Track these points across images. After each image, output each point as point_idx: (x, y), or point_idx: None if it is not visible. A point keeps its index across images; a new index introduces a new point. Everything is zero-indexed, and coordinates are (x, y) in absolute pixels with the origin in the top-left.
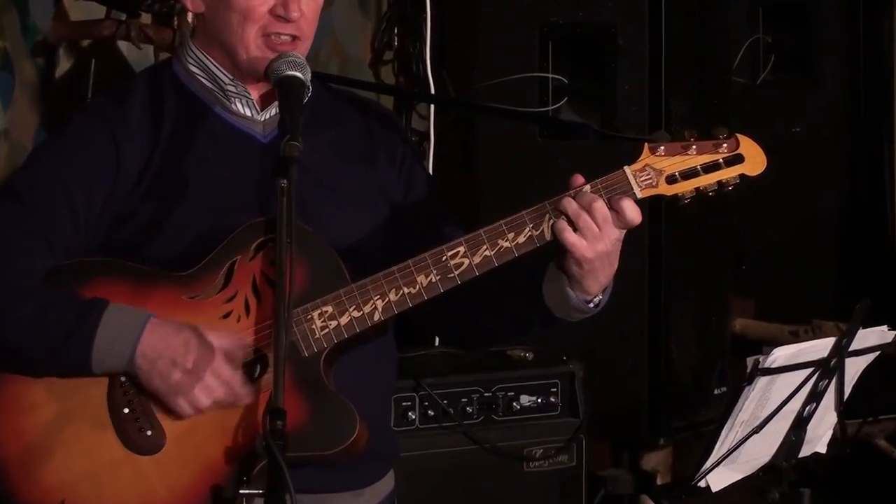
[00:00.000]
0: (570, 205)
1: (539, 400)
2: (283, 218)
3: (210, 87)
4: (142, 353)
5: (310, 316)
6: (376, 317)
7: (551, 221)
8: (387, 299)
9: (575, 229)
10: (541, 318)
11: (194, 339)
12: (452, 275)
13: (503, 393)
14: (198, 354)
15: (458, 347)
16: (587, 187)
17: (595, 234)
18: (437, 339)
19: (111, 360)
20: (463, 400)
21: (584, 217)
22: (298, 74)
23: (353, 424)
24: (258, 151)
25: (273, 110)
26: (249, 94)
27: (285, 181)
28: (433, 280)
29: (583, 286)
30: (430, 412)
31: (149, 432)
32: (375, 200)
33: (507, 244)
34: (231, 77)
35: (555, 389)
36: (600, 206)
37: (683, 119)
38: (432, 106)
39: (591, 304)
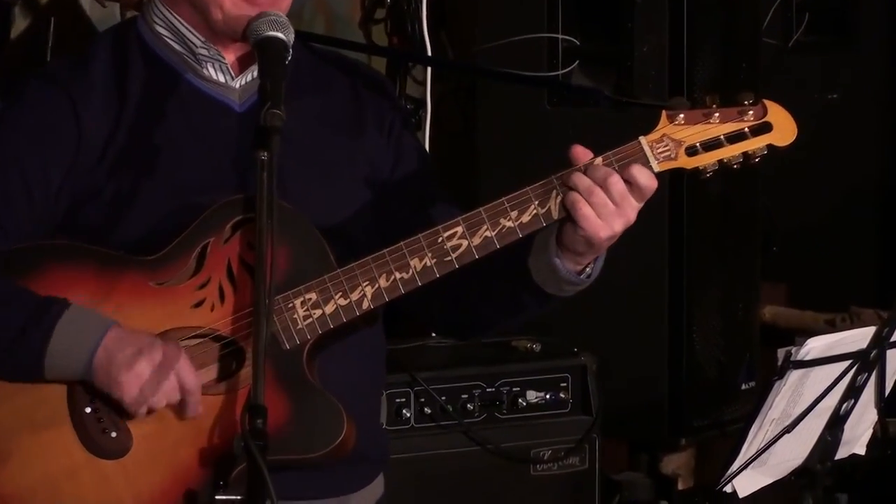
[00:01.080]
0: (581, 180)
1: (547, 396)
2: (263, 194)
3: (179, 50)
4: (98, 362)
5: (291, 304)
6: (365, 305)
7: (559, 198)
8: (377, 285)
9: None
10: (532, 296)
11: (151, 344)
12: (450, 258)
13: (508, 388)
14: (156, 359)
15: (454, 337)
16: (599, 160)
17: (611, 212)
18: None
19: (64, 369)
20: (463, 396)
21: (599, 193)
22: (280, 35)
23: (339, 424)
24: (234, 121)
25: (249, 76)
26: (223, 57)
27: (266, 154)
28: (428, 264)
29: (577, 260)
30: (426, 410)
31: (113, 434)
32: (364, 174)
33: (510, 224)
34: (202, 39)
35: (565, 384)
36: (616, 180)
37: (708, 84)
38: (429, 70)
39: (583, 276)
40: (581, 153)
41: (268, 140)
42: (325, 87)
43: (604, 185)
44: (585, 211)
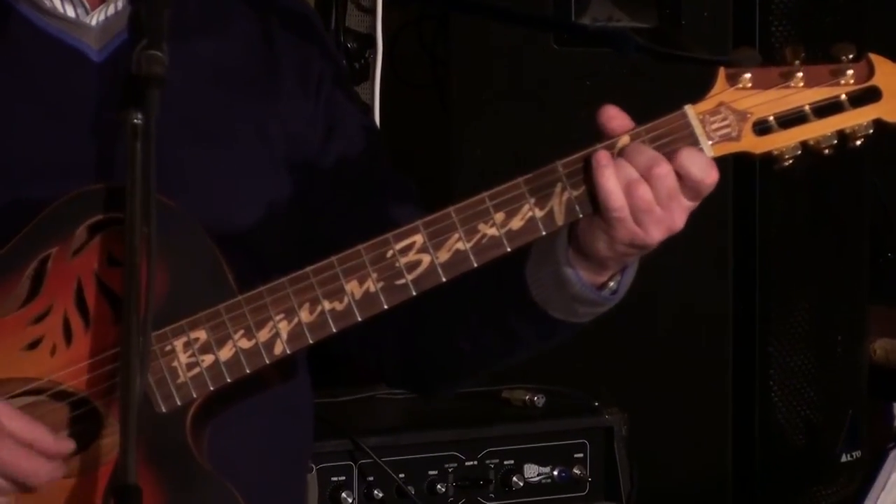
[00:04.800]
0: (625, 167)
1: (555, 472)
2: (135, 180)
3: None
4: None
5: (170, 347)
6: (278, 349)
7: (566, 194)
8: (296, 320)
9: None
10: (530, 324)
11: None
12: (403, 281)
13: (497, 461)
14: None
15: (415, 392)
16: (626, 139)
17: (658, 218)
18: None
19: None
20: (431, 473)
21: (643, 189)
22: None
23: None
24: (89, 74)
25: (111, 8)
26: None
27: (140, 117)
28: (372, 289)
29: (600, 268)
30: (375, 493)
31: None
32: (279, 152)
33: (492, 231)
34: None
35: (581, 455)
36: (666, 172)
37: (790, 30)
38: None
39: (606, 291)
40: (615, 118)
41: (142, 96)
42: (222, 24)
43: (647, 178)
44: (619, 202)
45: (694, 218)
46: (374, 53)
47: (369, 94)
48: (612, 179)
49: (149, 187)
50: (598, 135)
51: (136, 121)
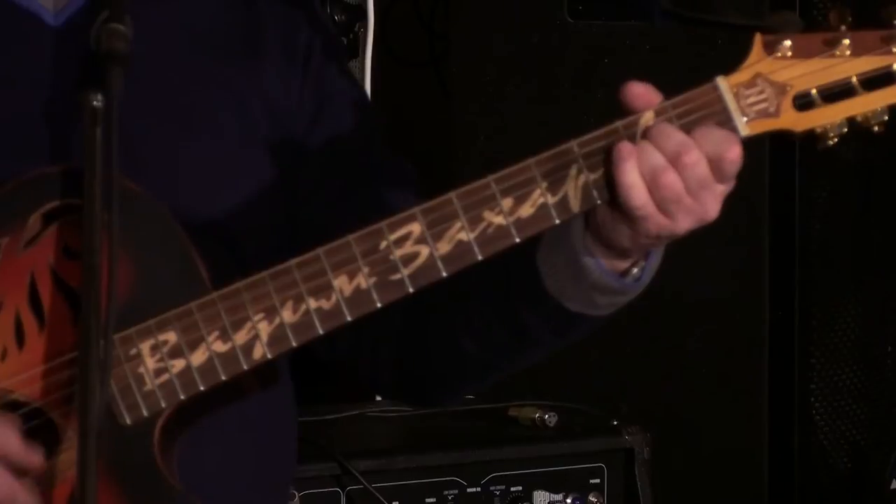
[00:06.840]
0: (649, 154)
1: (569, 500)
2: (95, 165)
3: None
4: None
5: (135, 350)
6: (258, 353)
7: (582, 178)
8: (278, 320)
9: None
10: (544, 319)
11: None
12: (399, 276)
13: (503, 487)
14: None
15: (412, 403)
16: (649, 116)
17: (688, 208)
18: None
19: None
20: (429, 501)
21: (669, 176)
22: None
23: None
24: (45, 41)
25: None
26: None
27: (100, 98)
28: (363, 285)
29: (621, 256)
30: None
31: None
32: (261, 131)
33: (499, 220)
34: None
35: (597, 480)
36: (696, 159)
37: None
38: None
39: (629, 279)
40: (640, 97)
41: (105, 74)
42: None
43: (676, 166)
44: (641, 200)
45: (725, 212)
46: (365, 27)
47: (359, 74)
48: (632, 174)
49: (110, 172)
50: (621, 115)
51: (95, 103)
